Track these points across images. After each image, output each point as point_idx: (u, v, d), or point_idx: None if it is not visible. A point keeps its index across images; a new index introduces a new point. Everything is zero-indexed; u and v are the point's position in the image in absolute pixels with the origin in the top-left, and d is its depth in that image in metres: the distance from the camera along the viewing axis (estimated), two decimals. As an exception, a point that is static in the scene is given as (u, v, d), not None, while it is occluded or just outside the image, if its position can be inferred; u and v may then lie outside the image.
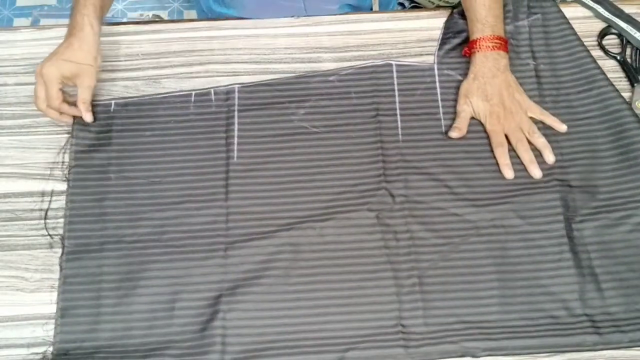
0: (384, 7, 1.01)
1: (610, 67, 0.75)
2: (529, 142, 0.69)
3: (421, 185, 0.69)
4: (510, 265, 0.65)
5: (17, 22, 1.60)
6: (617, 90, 0.72)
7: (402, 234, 0.66)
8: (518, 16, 0.76)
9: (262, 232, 0.67)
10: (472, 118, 0.72)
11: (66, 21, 0.71)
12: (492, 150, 0.70)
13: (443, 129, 0.72)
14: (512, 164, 0.69)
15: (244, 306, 0.64)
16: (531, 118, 0.70)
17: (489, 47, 0.71)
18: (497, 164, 0.69)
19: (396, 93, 0.73)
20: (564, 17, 0.76)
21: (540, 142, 0.69)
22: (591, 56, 0.74)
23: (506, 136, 0.70)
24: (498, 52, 0.71)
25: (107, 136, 0.71)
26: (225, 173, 0.69)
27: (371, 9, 0.95)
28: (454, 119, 0.72)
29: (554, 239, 0.66)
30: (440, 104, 0.73)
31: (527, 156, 0.69)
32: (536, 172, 0.68)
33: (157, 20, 1.33)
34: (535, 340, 0.62)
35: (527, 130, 0.69)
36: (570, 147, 0.70)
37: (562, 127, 0.70)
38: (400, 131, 0.71)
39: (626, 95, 0.73)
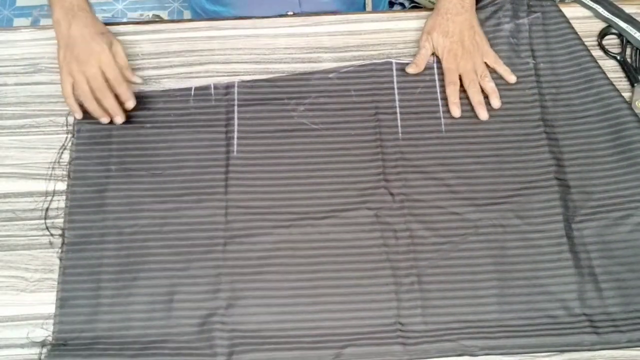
0: (376, 3, 1.01)
1: (610, 67, 0.75)
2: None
3: (420, 183, 0.69)
4: (509, 264, 0.65)
5: (17, 22, 1.60)
6: (616, 90, 0.72)
7: (401, 232, 0.67)
8: (518, 14, 0.76)
9: (261, 227, 0.67)
10: (433, 54, 0.74)
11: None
12: (444, 90, 0.72)
13: (443, 127, 0.72)
14: (514, 167, 0.69)
15: (243, 302, 0.64)
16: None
17: None
18: (447, 101, 0.71)
19: (396, 91, 0.73)
20: (564, 16, 0.76)
21: (490, 86, 0.71)
22: (591, 55, 0.74)
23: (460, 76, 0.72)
24: None
25: (108, 128, 0.72)
26: (225, 167, 0.70)
27: (364, 4, 0.96)
28: (454, 118, 0.72)
29: (553, 238, 0.66)
30: (440, 102, 0.73)
31: (476, 97, 0.71)
32: (483, 114, 0.71)
33: (157, 20, 1.33)
34: (534, 339, 0.62)
35: (480, 74, 0.72)
36: (570, 147, 0.70)
37: (512, 78, 0.72)
38: (399, 129, 0.71)
39: (626, 95, 0.73)
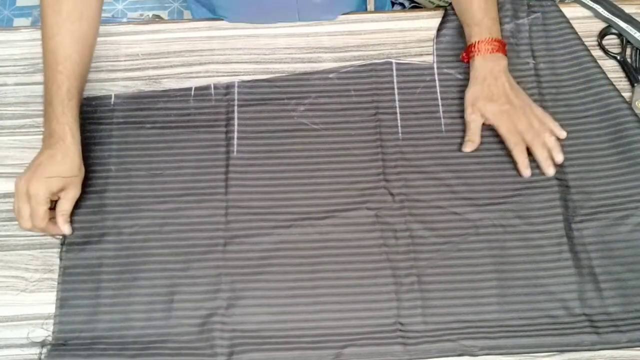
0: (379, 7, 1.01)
1: (610, 67, 0.75)
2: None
3: (421, 183, 0.69)
4: (509, 264, 0.65)
5: (17, 22, 1.60)
6: (616, 90, 0.72)
7: (401, 232, 0.67)
8: (518, 15, 0.76)
9: (261, 227, 0.67)
10: (483, 124, 0.70)
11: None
12: (499, 146, 0.69)
13: (443, 127, 0.72)
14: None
15: (243, 302, 0.64)
16: None
17: (488, 49, 0.70)
18: (515, 163, 0.68)
19: (396, 91, 0.73)
20: (564, 17, 0.76)
21: (551, 141, 0.68)
22: (591, 55, 0.74)
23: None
24: (498, 55, 0.70)
25: (108, 129, 0.72)
26: (225, 167, 0.70)
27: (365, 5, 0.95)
28: (453, 117, 0.72)
29: (553, 238, 0.66)
30: (439, 102, 0.73)
31: (544, 153, 0.68)
32: (550, 171, 0.68)
33: (157, 20, 1.33)
34: (534, 339, 0.62)
35: (538, 129, 0.68)
36: (570, 147, 0.70)
37: (562, 134, 0.69)
38: (400, 129, 0.71)
39: (626, 95, 0.73)
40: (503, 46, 0.71)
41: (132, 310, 0.64)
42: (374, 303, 0.64)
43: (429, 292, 0.64)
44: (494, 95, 0.69)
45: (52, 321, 0.64)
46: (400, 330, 0.62)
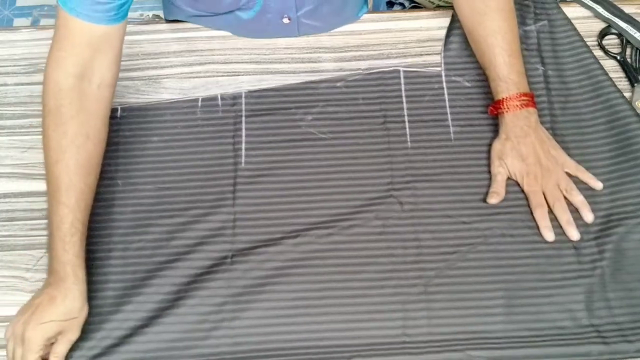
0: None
1: (610, 67, 0.75)
2: (566, 199, 0.67)
3: (429, 192, 0.68)
4: (516, 274, 0.64)
5: (17, 22, 1.60)
6: (624, 97, 0.71)
7: (409, 242, 0.66)
8: (525, 22, 0.76)
9: (268, 239, 0.66)
10: (508, 179, 0.69)
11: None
12: (531, 212, 0.67)
13: (452, 135, 0.71)
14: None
15: (249, 314, 0.63)
16: (567, 173, 0.68)
17: (517, 105, 0.68)
18: (537, 225, 0.66)
19: (404, 100, 0.73)
20: (571, 24, 0.76)
21: (579, 200, 0.66)
22: (598, 63, 0.73)
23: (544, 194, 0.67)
24: (527, 110, 0.68)
25: (114, 142, 0.71)
26: (233, 179, 0.69)
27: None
28: (462, 126, 0.71)
29: (562, 249, 0.65)
30: (448, 110, 0.72)
31: (565, 216, 0.66)
32: (574, 234, 0.65)
33: (157, 20, 1.33)
34: (541, 350, 0.61)
35: (565, 188, 0.67)
36: (578, 155, 0.69)
37: (598, 185, 0.68)
38: (408, 138, 0.71)
39: (626, 95, 0.73)
40: (532, 99, 0.69)
41: (138, 325, 0.63)
42: (380, 313, 0.63)
43: (435, 302, 0.63)
44: (522, 155, 0.67)
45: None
46: (407, 342, 0.62)
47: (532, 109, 0.69)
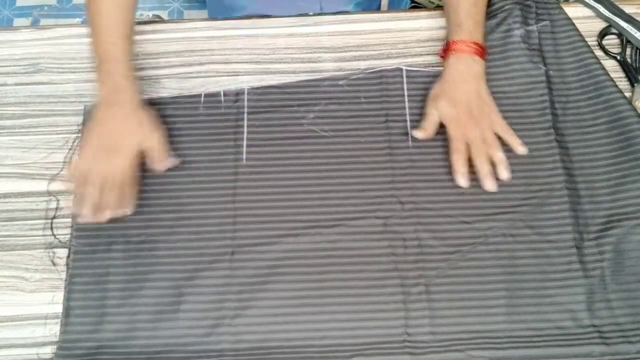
0: (395, 7, 1.02)
1: (611, 67, 0.75)
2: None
3: (430, 192, 0.68)
4: (518, 274, 0.64)
5: (17, 22, 1.60)
6: (625, 97, 0.71)
7: (410, 241, 0.66)
8: (527, 22, 0.76)
9: (269, 236, 0.66)
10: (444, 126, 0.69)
11: (66, 21, 0.71)
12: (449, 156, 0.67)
13: None
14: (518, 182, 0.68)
15: (250, 311, 0.63)
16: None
17: (464, 50, 0.68)
18: (452, 169, 0.67)
19: (406, 99, 0.73)
20: (572, 24, 0.76)
21: (499, 156, 0.66)
22: (599, 62, 0.73)
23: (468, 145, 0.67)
24: (472, 57, 0.68)
25: None
26: (234, 175, 0.69)
27: (379, 8, 0.96)
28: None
29: (563, 249, 0.65)
30: None
31: (485, 168, 0.66)
32: (490, 186, 0.66)
33: (157, 20, 1.33)
34: (542, 350, 0.61)
35: (489, 143, 0.66)
36: (580, 155, 0.69)
37: (521, 149, 0.67)
38: (410, 137, 0.71)
39: (626, 95, 0.73)
40: (482, 50, 0.69)
41: (138, 319, 0.63)
42: (382, 313, 0.63)
43: (437, 302, 0.64)
44: (455, 100, 0.67)
45: (52, 321, 0.64)
46: (408, 341, 0.62)
47: (478, 59, 0.69)
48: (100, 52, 0.66)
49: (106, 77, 0.65)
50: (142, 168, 0.68)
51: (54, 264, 0.66)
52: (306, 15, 0.80)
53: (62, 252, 0.67)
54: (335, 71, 0.75)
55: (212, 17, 0.93)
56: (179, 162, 0.68)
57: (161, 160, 0.67)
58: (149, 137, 0.66)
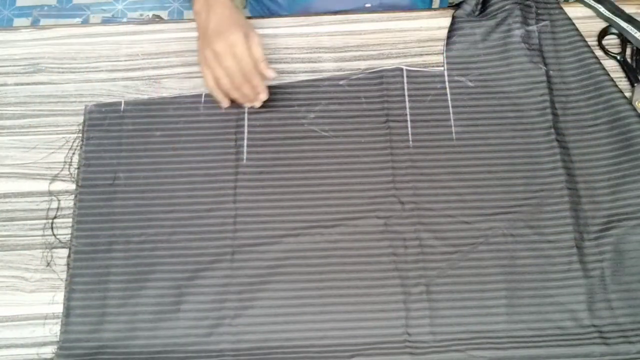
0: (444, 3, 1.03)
1: (610, 67, 0.75)
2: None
3: (431, 192, 0.68)
4: (518, 274, 0.64)
5: (17, 22, 1.60)
6: (625, 97, 0.71)
7: (410, 241, 0.66)
8: (528, 22, 0.76)
9: (269, 236, 0.66)
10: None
11: (66, 21, 0.72)
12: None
13: (454, 135, 0.71)
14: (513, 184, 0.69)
15: (250, 311, 0.63)
16: None
17: None
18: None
19: (406, 99, 0.73)
20: (572, 24, 0.76)
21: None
22: (599, 63, 0.73)
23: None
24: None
25: (117, 136, 0.71)
26: (235, 175, 0.69)
27: (431, 3, 0.97)
28: (464, 126, 0.71)
29: (563, 249, 0.65)
30: (450, 110, 0.72)
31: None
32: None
33: (157, 20, 1.33)
34: (543, 350, 0.61)
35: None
36: (580, 155, 0.69)
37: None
38: (410, 137, 0.71)
39: (626, 95, 0.73)
40: None
41: (139, 319, 0.63)
42: (382, 312, 0.63)
43: (437, 302, 0.64)
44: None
45: (52, 321, 0.64)
46: (408, 341, 0.62)
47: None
48: None
49: None
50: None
51: (50, 266, 0.66)
52: (308, 15, 0.80)
53: (62, 252, 0.67)
54: (335, 71, 0.75)
55: (272, 13, 0.94)
56: (275, 75, 0.68)
57: (260, 61, 0.66)
58: (253, 31, 0.67)
